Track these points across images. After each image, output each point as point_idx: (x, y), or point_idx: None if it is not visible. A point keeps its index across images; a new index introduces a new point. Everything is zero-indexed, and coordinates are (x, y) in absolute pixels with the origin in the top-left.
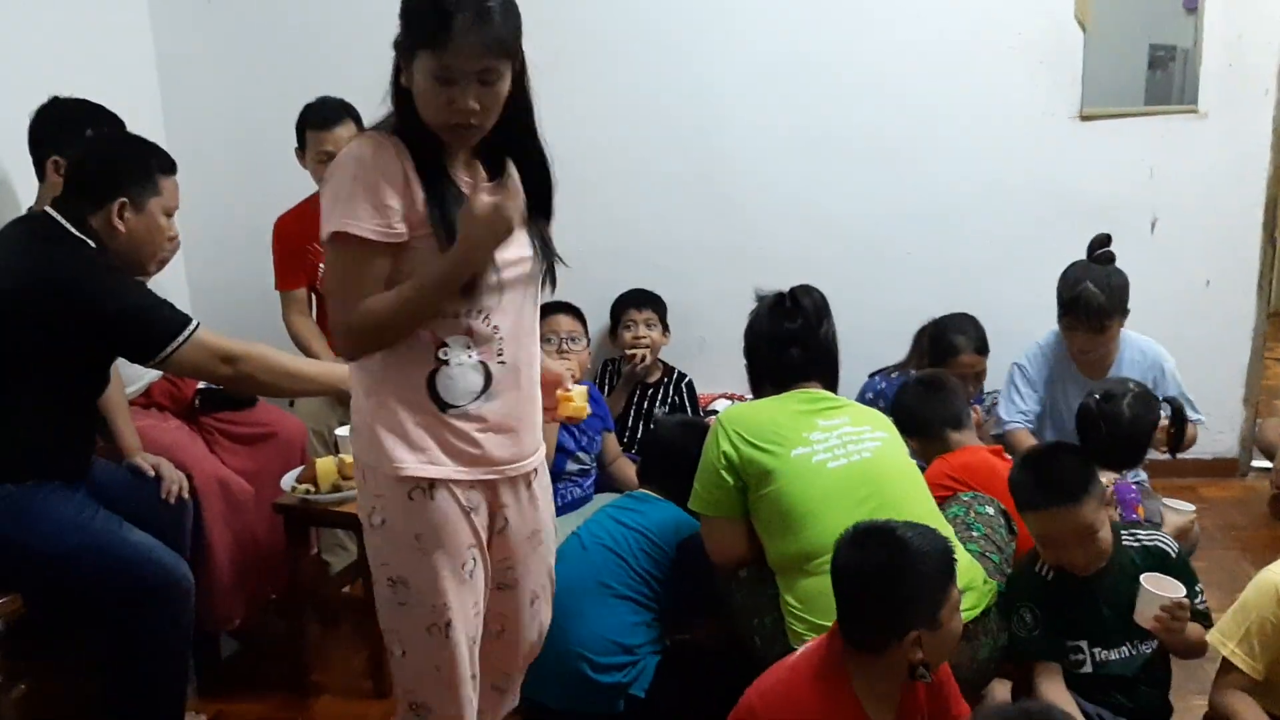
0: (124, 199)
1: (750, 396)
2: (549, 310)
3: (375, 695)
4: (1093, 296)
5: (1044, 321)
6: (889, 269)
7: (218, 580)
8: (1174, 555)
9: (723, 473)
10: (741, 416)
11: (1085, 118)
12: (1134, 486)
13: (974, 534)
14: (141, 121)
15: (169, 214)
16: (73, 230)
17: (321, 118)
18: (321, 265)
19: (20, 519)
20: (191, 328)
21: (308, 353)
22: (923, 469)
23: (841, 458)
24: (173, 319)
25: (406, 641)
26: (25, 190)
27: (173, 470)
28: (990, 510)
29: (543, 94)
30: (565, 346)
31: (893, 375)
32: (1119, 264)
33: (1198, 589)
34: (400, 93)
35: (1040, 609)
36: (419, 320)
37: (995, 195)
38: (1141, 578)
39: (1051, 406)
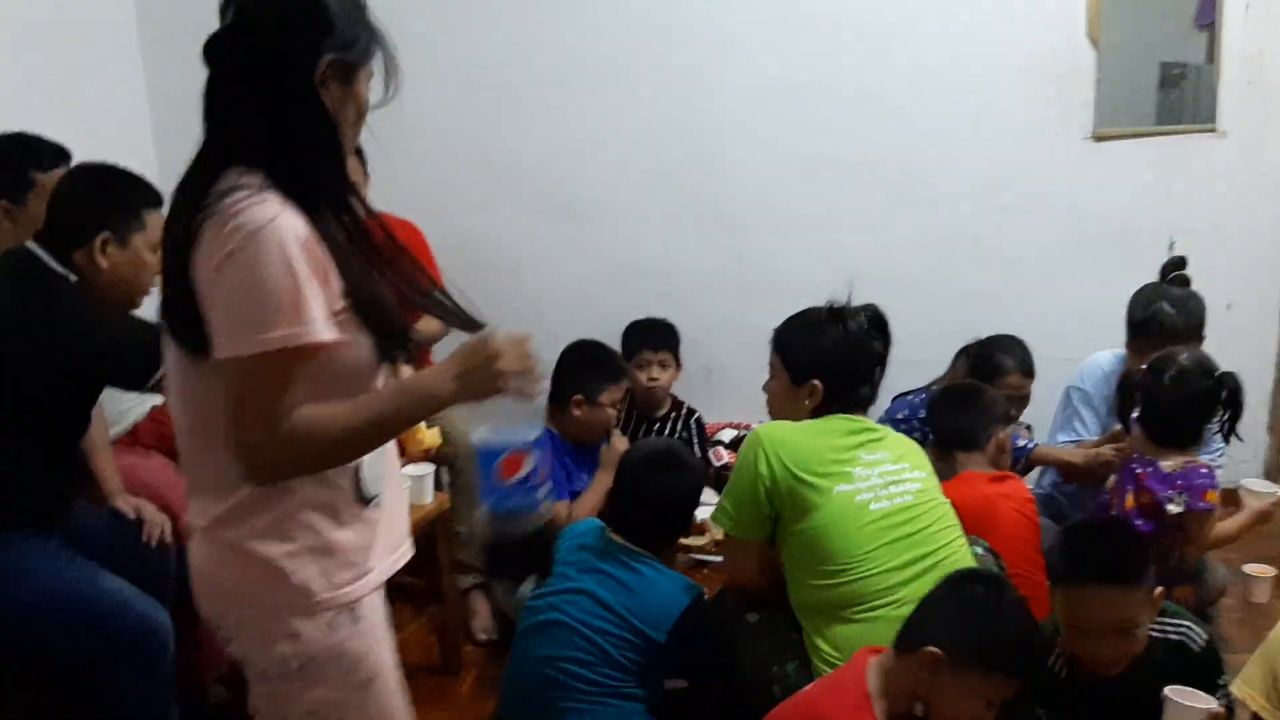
0: (107, 234)
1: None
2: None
3: None
4: (1168, 318)
5: (1060, 347)
6: (899, 295)
7: (202, 626)
8: (1198, 647)
9: (759, 495)
10: (785, 440)
11: (1099, 138)
12: (1205, 469)
13: None
14: (130, 145)
15: (154, 250)
16: (55, 266)
17: None
18: None
19: None
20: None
21: None
22: None
23: (884, 499)
24: (160, 340)
25: None
26: None
27: (155, 513)
28: (980, 550)
29: (547, 122)
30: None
31: (924, 395)
32: (1134, 288)
33: (1221, 681)
34: (316, 119)
35: (1049, 710)
36: (385, 440)
37: (1007, 219)
38: (1167, 691)
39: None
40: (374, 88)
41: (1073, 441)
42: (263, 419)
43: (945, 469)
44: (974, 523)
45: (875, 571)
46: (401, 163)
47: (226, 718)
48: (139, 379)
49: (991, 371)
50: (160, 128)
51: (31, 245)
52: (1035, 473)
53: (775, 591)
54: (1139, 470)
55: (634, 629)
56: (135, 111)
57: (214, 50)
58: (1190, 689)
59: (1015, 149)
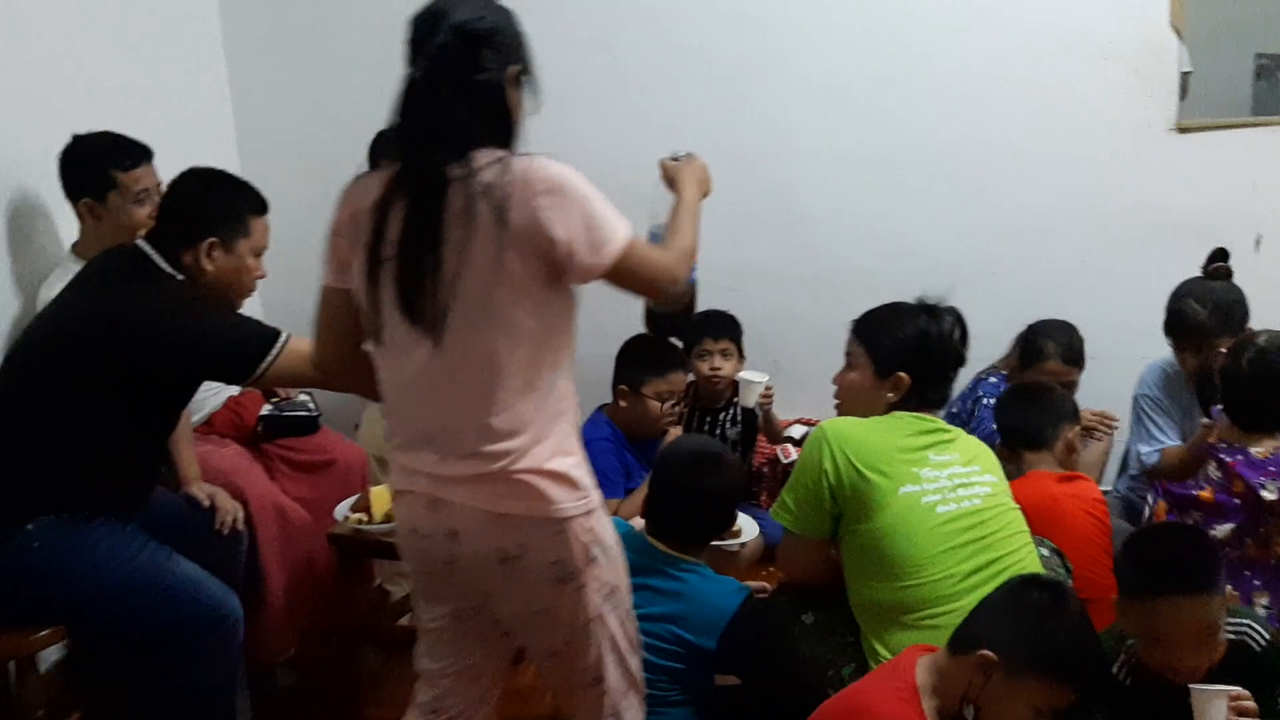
0: (214, 239)
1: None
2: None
3: None
4: (1192, 313)
5: (1138, 346)
6: (969, 290)
7: (271, 610)
8: (1260, 646)
9: (822, 491)
10: (851, 435)
11: (1182, 129)
12: None
13: None
14: (214, 144)
15: (257, 254)
16: (162, 265)
17: (391, 151)
18: None
19: (66, 550)
20: (284, 339)
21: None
22: None
23: (951, 502)
24: (264, 334)
25: (614, 649)
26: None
27: (228, 500)
28: (1045, 552)
29: (608, 119)
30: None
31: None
32: None
33: None
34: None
35: (1110, 717)
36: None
37: (1084, 212)
38: (1191, 687)
39: (1182, 437)
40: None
41: (1154, 450)
42: (661, 272)
43: (1013, 469)
44: (1040, 523)
45: (939, 577)
46: None
47: (295, 701)
48: (240, 375)
49: (1033, 355)
50: (242, 123)
51: (142, 243)
52: (1112, 472)
53: (834, 591)
54: (1228, 459)
55: (679, 639)
56: (218, 106)
57: (440, 59)
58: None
59: (1094, 141)
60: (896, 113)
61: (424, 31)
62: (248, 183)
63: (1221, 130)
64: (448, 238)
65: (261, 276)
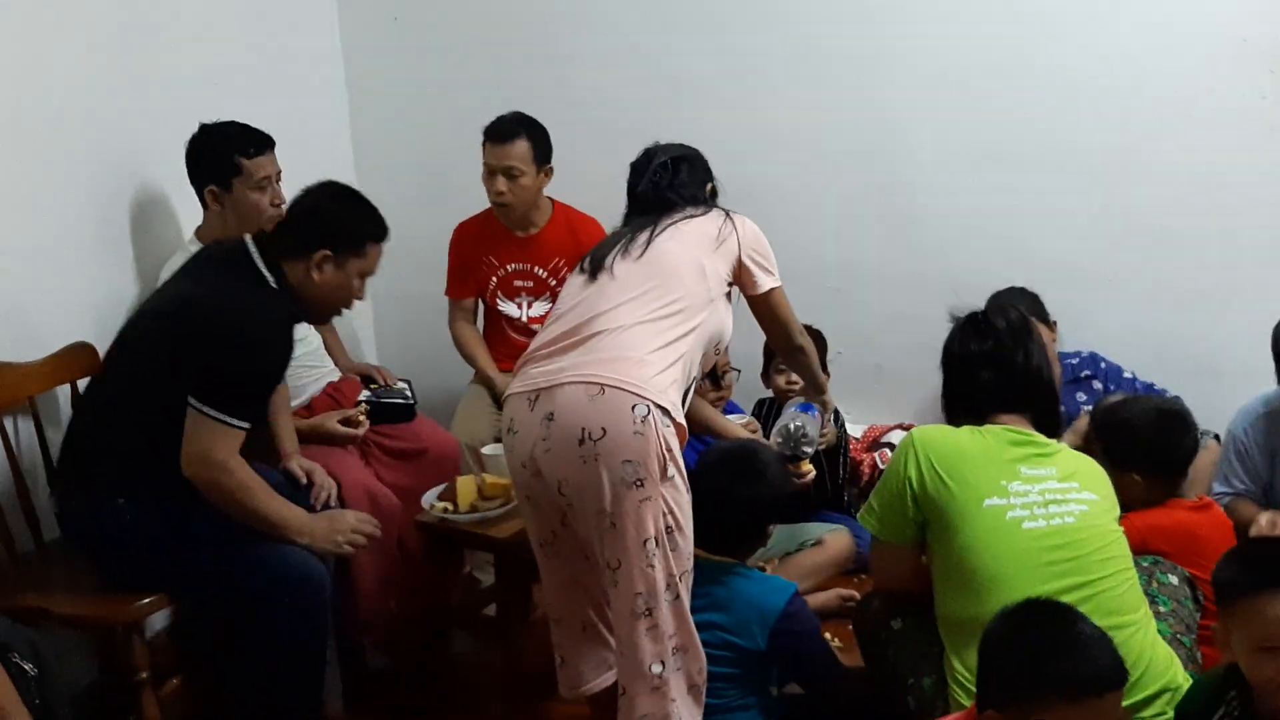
0: (328, 252)
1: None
2: None
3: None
4: None
5: (1266, 363)
6: (1088, 296)
7: (360, 590)
8: None
9: (905, 498)
10: (939, 441)
11: None
12: None
13: (1160, 609)
14: (328, 132)
15: (364, 277)
16: (260, 267)
17: (497, 132)
18: (494, 278)
19: (162, 519)
20: (236, 423)
21: (469, 358)
22: None
23: (1040, 518)
24: (239, 406)
25: (672, 588)
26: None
27: (324, 477)
28: (1174, 580)
29: (727, 111)
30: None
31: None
32: None
33: None
34: None
35: None
36: None
37: (1216, 216)
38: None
39: (1275, 483)
40: None
41: (1228, 494)
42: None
43: (1159, 494)
44: (1179, 551)
45: (1018, 597)
46: (584, 157)
47: (385, 683)
48: (198, 394)
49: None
50: (357, 112)
51: (247, 240)
52: None
53: (927, 600)
54: None
55: (728, 644)
56: (334, 96)
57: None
58: None
59: (1225, 139)
60: (1015, 109)
61: None
62: (375, 208)
63: None
64: None
65: (361, 299)
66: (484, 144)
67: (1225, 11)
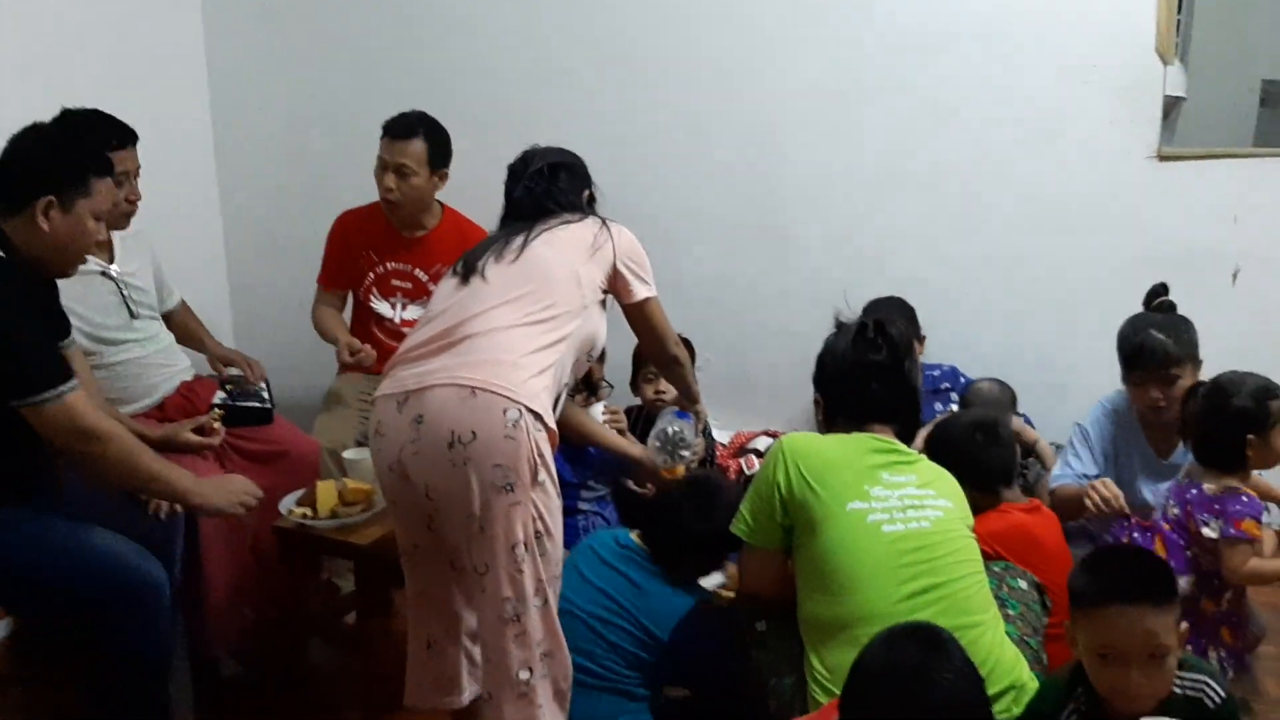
0: (51, 198)
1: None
2: None
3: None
4: (1159, 344)
5: (1114, 375)
6: (943, 314)
7: (212, 598)
8: (1214, 704)
9: (774, 502)
10: (807, 449)
11: (1164, 158)
12: (1246, 498)
13: (1010, 612)
14: (190, 122)
15: (98, 218)
16: None
17: (395, 129)
18: (372, 274)
19: None
20: (69, 387)
21: (327, 333)
22: None
23: (899, 522)
24: (55, 371)
25: (541, 594)
26: None
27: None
28: (1024, 584)
29: (590, 128)
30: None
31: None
32: (1196, 317)
33: None
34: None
35: None
36: None
37: (1063, 239)
38: None
39: (1116, 480)
40: None
41: (1060, 479)
42: (671, 337)
43: (989, 503)
44: (1019, 553)
45: (876, 596)
46: (460, 158)
47: (239, 691)
48: (8, 390)
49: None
50: (218, 106)
51: None
52: None
53: (792, 603)
54: (1187, 495)
55: (639, 624)
56: (194, 89)
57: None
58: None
59: (1074, 166)
60: (880, 130)
61: None
62: (92, 141)
63: (1205, 160)
64: None
65: (101, 239)
66: (381, 138)
67: (1076, 40)
